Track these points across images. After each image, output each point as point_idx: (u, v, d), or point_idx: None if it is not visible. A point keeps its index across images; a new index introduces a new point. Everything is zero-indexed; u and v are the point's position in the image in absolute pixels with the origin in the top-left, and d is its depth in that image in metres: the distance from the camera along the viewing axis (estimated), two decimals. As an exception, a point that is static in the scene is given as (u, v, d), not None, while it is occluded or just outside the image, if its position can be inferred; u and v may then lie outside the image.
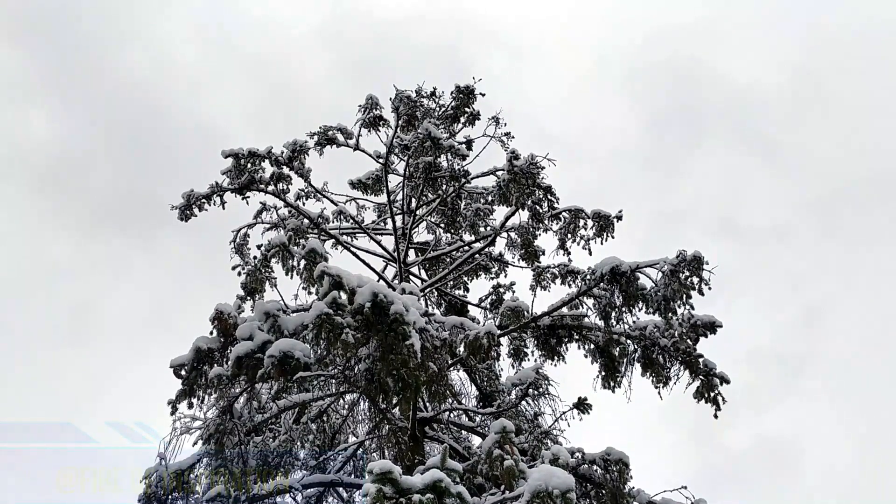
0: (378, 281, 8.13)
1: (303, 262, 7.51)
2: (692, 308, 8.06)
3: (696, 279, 7.88)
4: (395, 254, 11.37)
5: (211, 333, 8.23)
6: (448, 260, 12.92)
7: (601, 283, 8.59)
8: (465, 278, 12.97)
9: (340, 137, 11.31)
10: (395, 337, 6.37)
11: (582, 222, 10.39)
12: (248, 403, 7.12)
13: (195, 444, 7.13)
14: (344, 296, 6.66)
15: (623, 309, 8.62)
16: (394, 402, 6.94)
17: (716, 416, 8.49)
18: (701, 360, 8.68)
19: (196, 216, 10.41)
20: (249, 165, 10.66)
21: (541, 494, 4.93)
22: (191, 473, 8.98)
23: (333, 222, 12.54)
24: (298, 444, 9.89)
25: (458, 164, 11.13)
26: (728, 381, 8.55)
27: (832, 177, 36.09)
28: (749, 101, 37.18)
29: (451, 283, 12.90)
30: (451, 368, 10.80)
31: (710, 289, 7.81)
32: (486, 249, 12.22)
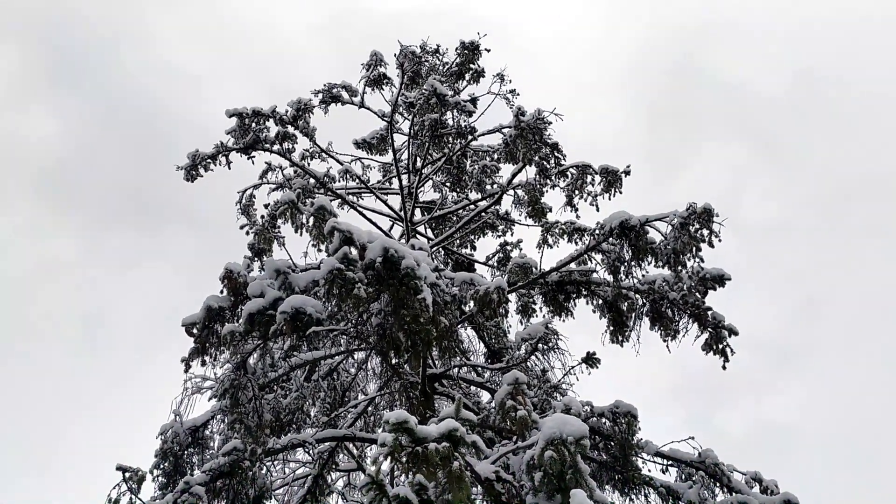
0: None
1: (312, 220, 7.48)
2: (702, 261, 8.05)
3: (705, 231, 7.86)
4: (402, 213, 11.35)
5: (221, 293, 8.26)
6: (454, 219, 12.91)
7: (610, 238, 8.58)
8: (472, 237, 12.97)
9: (345, 95, 11.22)
10: (407, 291, 6.38)
11: (589, 178, 10.36)
12: (262, 359, 7.18)
13: (210, 399, 7.20)
14: (354, 251, 6.66)
15: (632, 263, 8.62)
16: (405, 357, 6.98)
17: (724, 368, 8.55)
18: (710, 312, 8.71)
19: (202, 176, 10.38)
20: (254, 125, 10.61)
21: (555, 441, 4.99)
22: (205, 429, 9.11)
23: (339, 182, 12.51)
24: (310, 401, 9.99)
25: (464, 121, 11.05)
26: (736, 333, 8.59)
27: (831, 175, 36.07)
28: (748, 98, 37.04)
29: (458, 242, 12.91)
30: (460, 326, 10.86)
31: (720, 241, 7.80)
32: (493, 208, 12.20)
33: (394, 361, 7.86)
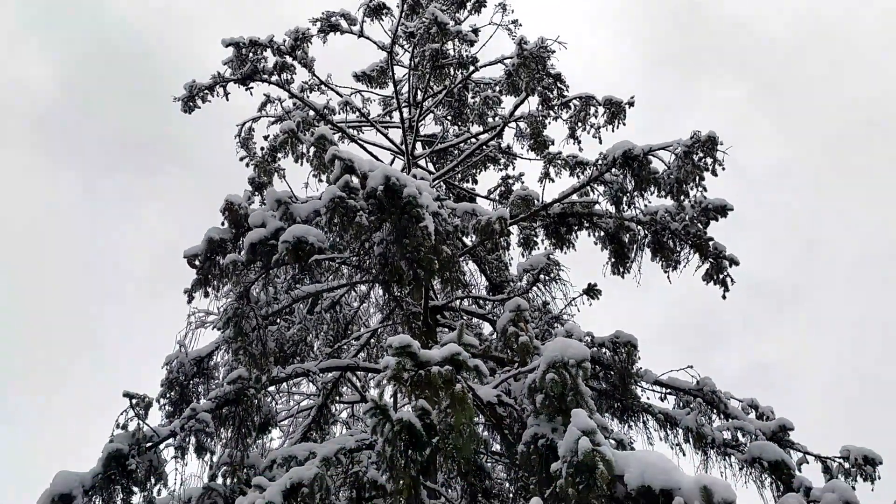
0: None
1: (312, 149, 7.41)
2: (705, 190, 8.00)
3: (709, 160, 7.78)
4: (403, 147, 11.23)
5: (222, 225, 8.24)
6: (456, 152, 12.79)
7: (613, 168, 8.51)
8: (474, 171, 12.87)
9: (344, 24, 10.98)
10: (409, 219, 6.36)
11: (593, 109, 10.21)
12: (264, 289, 7.21)
13: (215, 329, 7.24)
14: (356, 180, 6.61)
15: (634, 194, 8.57)
16: (407, 288, 7.00)
17: (724, 297, 8.59)
18: (711, 242, 8.70)
19: (199, 108, 10.25)
20: (251, 55, 10.41)
21: (556, 364, 5.04)
22: (210, 360, 9.22)
23: (339, 115, 12.35)
24: (313, 333, 10.08)
25: (466, 52, 10.85)
26: (737, 263, 8.61)
27: (833, 117, 35.51)
28: (750, 39, 36.17)
29: (460, 176, 12.82)
30: (461, 259, 10.88)
31: (723, 169, 7.73)
32: (495, 141, 12.08)
33: (396, 293, 7.89)
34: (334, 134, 11.14)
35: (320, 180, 9.89)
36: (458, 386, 4.95)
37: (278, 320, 9.64)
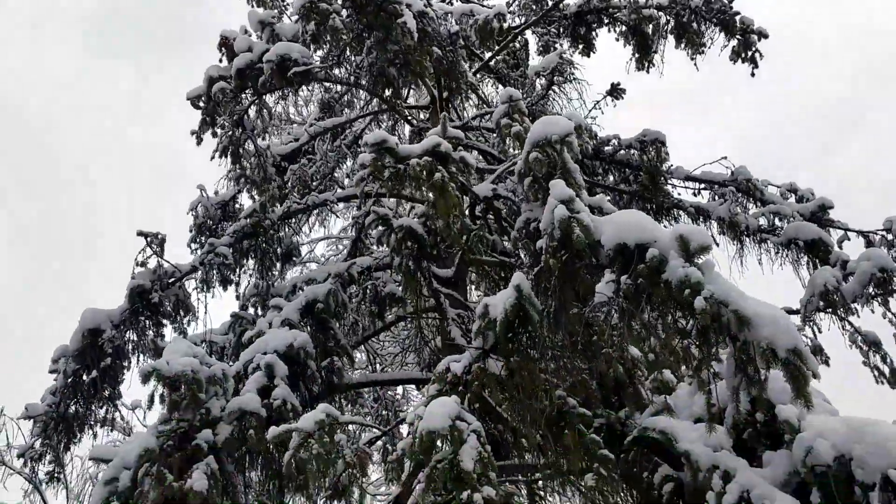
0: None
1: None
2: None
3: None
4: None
5: (220, 62, 8.01)
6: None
7: (622, -54, 7.75)
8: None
9: None
10: (388, 18, 5.98)
11: None
12: (259, 115, 7.05)
13: (211, 158, 7.18)
14: (331, -15, 6.21)
15: (650, -28, 7.84)
16: (402, 93, 6.71)
17: (752, 75, 7.96)
18: (738, 17, 7.97)
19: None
20: None
21: (540, 143, 4.76)
22: (234, 203, 9.29)
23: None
24: (332, 165, 9.99)
25: None
26: (766, 36, 7.89)
27: None
28: None
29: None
30: (480, 76, 10.41)
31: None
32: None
33: (394, 102, 7.58)
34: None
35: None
36: (438, 175, 4.76)
37: (299, 158, 9.57)
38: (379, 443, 8.83)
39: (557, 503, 9.71)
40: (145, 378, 4.71)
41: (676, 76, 9.34)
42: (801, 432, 3.61)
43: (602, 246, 4.02)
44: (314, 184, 9.66)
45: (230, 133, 6.83)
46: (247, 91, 6.83)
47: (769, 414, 3.92)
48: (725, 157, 8.67)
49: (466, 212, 6.47)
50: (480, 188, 5.81)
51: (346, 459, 4.10)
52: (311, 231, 10.55)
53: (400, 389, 10.62)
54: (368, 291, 7.03)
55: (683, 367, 4.57)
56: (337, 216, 10.28)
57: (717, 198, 8.70)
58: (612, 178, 9.19)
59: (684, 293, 3.49)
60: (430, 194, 4.93)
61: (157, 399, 4.99)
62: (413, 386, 10.10)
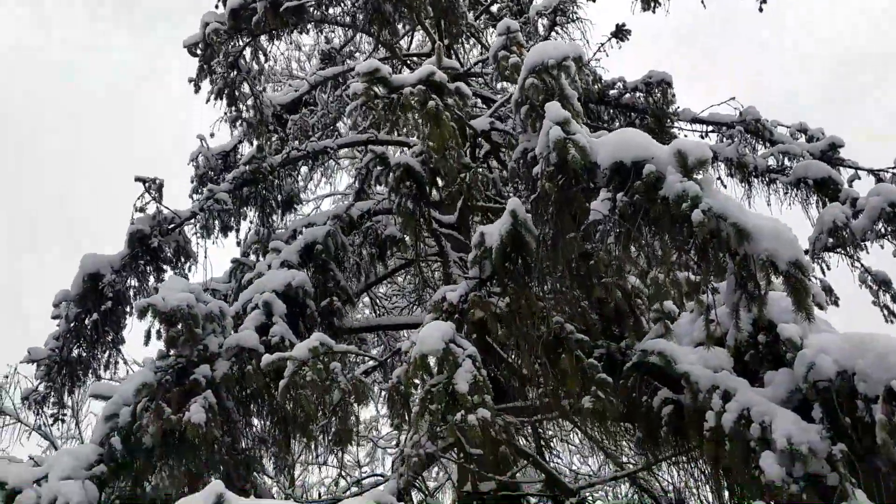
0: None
1: None
2: None
3: None
4: None
5: (216, 8, 7.87)
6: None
7: None
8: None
9: None
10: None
11: None
12: (254, 57, 6.93)
13: (206, 101, 7.09)
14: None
15: None
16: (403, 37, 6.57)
17: (760, 10, 7.74)
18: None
19: None
20: None
21: (536, 69, 4.63)
22: (235, 154, 9.21)
23: None
24: (338, 119, 9.87)
25: None
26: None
27: None
28: None
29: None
30: (482, 21, 10.20)
31: None
32: None
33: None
34: None
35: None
36: (432, 103, 4.65)
37: (300, 108, 9.45)
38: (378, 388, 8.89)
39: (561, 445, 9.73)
40: (141, 313, 4.67)
41: (683, 17, 9.11)
42: (803, 349, 3.52)
43: (599, 167, 3.92)
44: (316, 134, 9.56)
45: (225, 75, 6.72)
46: (241, 32, 6.70)
47: (771, 335, 3.85)
48: (733, 98, 8.48)
49: (467, 153, 6.38)
50: (478, 122, 5.69)
51: (341, 387, 4.06)
52: (315, 188, 10.49)
53: (406, 335, 10.61)
54: (369, 234, 6.96)
55: (682, 290, 4.49)
56: (339, 165, 10.17)
57: (724, 140, 8.53)
58: (617, 123, 9.01)
59: (682, 207, 3.40)
60: (425, 126, 4.82)
61: (153, 335, 4.96)
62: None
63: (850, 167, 7.62)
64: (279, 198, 7.77)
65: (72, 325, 6.27)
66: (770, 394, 3.53)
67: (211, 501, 2.69)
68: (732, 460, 3.34)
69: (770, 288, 3.46)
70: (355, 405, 4.23)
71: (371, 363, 6.63)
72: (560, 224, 4.18)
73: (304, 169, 9.33)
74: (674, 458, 5.00)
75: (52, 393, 6.17)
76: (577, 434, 9.67)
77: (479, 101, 9.16)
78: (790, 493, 3.12)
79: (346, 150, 10.90)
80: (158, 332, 4.90)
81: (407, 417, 4.09)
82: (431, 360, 3.85)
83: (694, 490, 7.49)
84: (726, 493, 3.89)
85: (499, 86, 8.89)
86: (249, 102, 6.91)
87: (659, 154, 3.63)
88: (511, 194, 6.30)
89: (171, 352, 4.87)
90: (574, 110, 4.62)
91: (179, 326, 4.80)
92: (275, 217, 7.77)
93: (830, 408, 3.33)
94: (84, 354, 6.31)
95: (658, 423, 3.93)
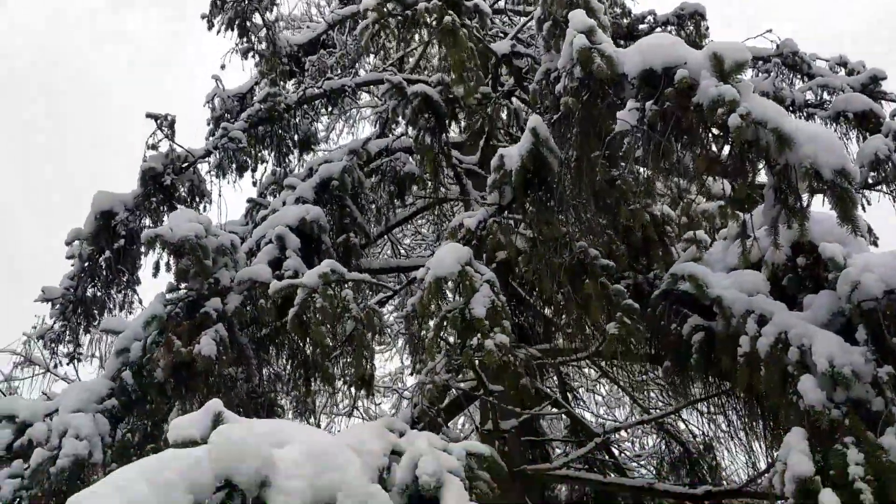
0: None
1: None
2: None
3: None
4: None
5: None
6: None
7: None
8: None
9: None
10: None
11: None
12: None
13: (217, 31, 6.85)
14: None
15: None
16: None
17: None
18: None
19: None
20: None
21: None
22: (252, 95, 8.99)
23: None
24: (357, 61, 9.61)
25: None
26: None
27: None
28: None
29: None
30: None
31: None
32: None
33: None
34: None
35: None
36: (448, 19, 4.37)
37: (318, 48, 9.19)
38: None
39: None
40: (149, 244, 4.52)
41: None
42: (847, 268, 3.26)
43: (626, 78, 3.64)
44: (336, 74, 9.31)
45: (236, 4, 6.48)
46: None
47: (811, 258, 3.59)
48: (770, 31, 8.06)
49: (488, 83, 6.09)
50: (499, 45, 5.41)
51: (353, 315, 3.89)
52: (338, 138, 10.28)
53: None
54: (388, 172, 6.74)
55: (713, 222, 4.22)
56: (361, 114, 9.93)
57: (760, 74, 8.12)
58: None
59: (717, 113, 3.12)
60: (442, 46, 4.56)
61: (162, 267, 4.83)
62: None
63: (892, 101, 7.19)
64: (296, 138, 7.56)
65: (86, 264, 6.16)
66: (810, 317, 3.29)
67: (209, 419, 2.54)
68: (769, 385, 3.12)
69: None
70: (369, 335, 4.05)
71: (386, 294, 6.47)
72: (585, 145, 3.92)
73: (324, 119, 9.14)
74: (704, 398, 4.80)
75: (68, 332, 6.10)
76: (603, 384, 9.51)
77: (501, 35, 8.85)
78: (831, 419, 2.90)
79: (368, 98, 10.65)
80: (168, 264, 4.76)
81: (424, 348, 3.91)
82: (448, 287, 3.66)
83: (721, 441, 7.29)
84: (760, 424, 3.67)
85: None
86: (262, 35, 6.66)
87: (692, 58, 3.34)
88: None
89: (182, 286, 4.73)
90: (601, 22, 4.32)
91: (188, 259, 4.65)
92: (291, 158, 7.58)
93: (876, 329, 3.08)
94: (99, 294, 6.21)
95: (688, 352, 3.71)
